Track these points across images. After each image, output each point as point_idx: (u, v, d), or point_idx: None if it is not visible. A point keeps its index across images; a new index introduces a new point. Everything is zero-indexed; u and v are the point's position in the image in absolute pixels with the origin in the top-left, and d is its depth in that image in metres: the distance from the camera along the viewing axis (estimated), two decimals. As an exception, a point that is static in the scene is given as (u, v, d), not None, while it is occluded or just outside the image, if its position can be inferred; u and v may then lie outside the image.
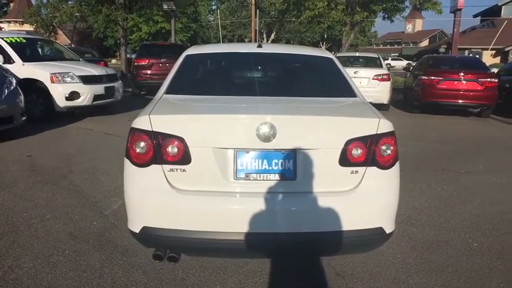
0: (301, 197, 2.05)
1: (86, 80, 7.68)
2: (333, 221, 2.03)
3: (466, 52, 29.06)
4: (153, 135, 2.04)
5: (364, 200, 2.08)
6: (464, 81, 9.73)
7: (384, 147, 2.12)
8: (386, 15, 17.33)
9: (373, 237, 2.13)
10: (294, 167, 2.05)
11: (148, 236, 2.07)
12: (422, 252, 2.90)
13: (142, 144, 2.06)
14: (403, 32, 62.02)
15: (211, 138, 2.04)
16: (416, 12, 38.85)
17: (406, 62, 38.32)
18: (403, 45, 59.02)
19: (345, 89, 2.70)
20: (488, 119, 10.15)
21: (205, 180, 2.05)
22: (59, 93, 7.37)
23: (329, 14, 16.16)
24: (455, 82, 9.74)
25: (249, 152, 2.04)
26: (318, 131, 2.09)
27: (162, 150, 2.04)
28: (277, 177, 2.06)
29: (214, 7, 43.24)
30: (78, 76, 7.58)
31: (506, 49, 30.38)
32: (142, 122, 2.08)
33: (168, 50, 12.85)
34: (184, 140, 2.02)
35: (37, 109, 7.42)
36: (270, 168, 2.05)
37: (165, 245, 2.11)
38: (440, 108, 10.08)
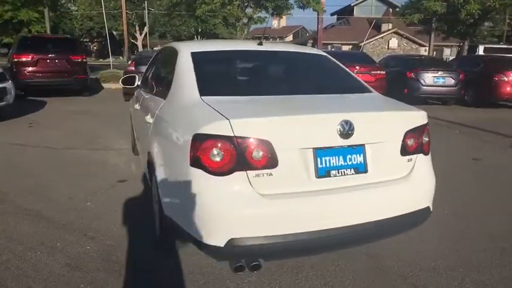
0: (374, 188, 2.17)
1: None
2: (399, 206, 2.23)
3: (329, 47, 32.57)
4: (235, 141, 1.90)
5: (418, 184, 2.33)
6: (360, 74, 11.05)
7: (425, 136, 2.40)
8: (275, 12, 18.44)
9: (423, 216, 2.39)
10: (365, 161, 2.17)
11: (235, 247, 1.93)
12: (436, 226, 3.00)
13: (220, 151, 1.90)
14: (270, 27, 66.13)
15: (296, 139, 2.01)
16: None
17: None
18: (271, 39, 62.92)
19: (362, 85, 2.91)
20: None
21: (291, 182, 2.01)
22: None
23: (225, 8, 16.41)
24: (361, 76, 11.00)
25: (327, 149, 2.07)
26: (384, 125, 2.25)
27: (247, 156, 1.91)
28: (352, 171, 2.14)
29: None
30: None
31: (360, 44, 35.19)
32: (220, 127, 1.90)
33: (55, 44, 11.03)
34: (270, 144, 1.94)
35: None
36: (345, 163, 2.12)
37: (254, 254, 1.99)
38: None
